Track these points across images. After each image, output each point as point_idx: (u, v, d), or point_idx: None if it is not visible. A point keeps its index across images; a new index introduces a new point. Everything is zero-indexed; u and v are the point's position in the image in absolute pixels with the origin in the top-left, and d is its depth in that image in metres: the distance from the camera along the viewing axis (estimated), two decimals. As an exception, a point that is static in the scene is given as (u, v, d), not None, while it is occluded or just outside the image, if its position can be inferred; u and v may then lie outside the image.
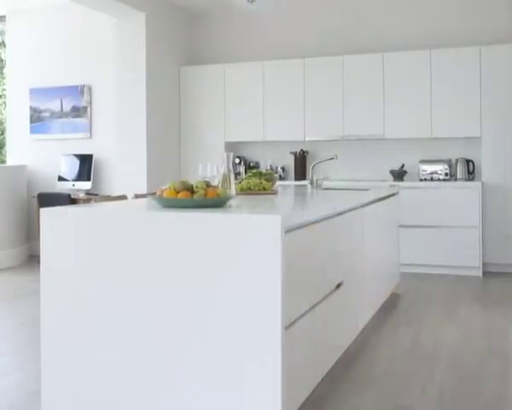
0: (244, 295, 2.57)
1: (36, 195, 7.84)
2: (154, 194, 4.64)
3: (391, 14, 7.45)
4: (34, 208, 8.09)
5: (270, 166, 7.90)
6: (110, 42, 7.81)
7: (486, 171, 6.74)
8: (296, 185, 6.05)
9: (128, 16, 7.33)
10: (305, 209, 2.91)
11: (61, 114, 8.20)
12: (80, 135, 8.09)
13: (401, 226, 6.72)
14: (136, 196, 5.26)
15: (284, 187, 5.33)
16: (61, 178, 7.95)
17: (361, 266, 4.11)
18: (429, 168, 6.97)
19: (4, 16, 8.57)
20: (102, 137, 7.99)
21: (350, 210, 3.84)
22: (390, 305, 5.25)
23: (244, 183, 4.26)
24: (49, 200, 7.40)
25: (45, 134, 8.28)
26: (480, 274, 6.59)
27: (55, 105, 8.23)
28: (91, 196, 7.35)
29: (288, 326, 2.63)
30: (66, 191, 7.79)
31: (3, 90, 10.93)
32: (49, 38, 8.29)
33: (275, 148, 8.03)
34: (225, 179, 3.54)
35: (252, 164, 7.99)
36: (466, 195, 6.62)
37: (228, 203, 3.17)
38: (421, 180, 7.00)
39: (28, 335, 4.41)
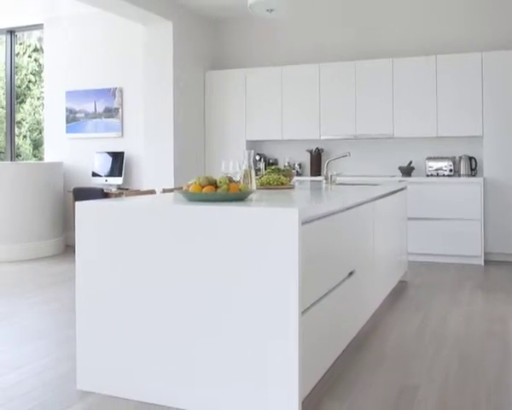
0: (264, 282, 2.56)
1: (71, 189, 7.89)
2: (180, 188, 4.64)
3: (399, 23, 7.38)
4: (70, 202, 8.15)
5: (288, 162, 7.87)
6: (140, 48, 7.82)
7: (488, 167, 6.67)
8: (312, 181, 6.03)
9: (156, 25, 7.35)
10: (320, 203, 2.89)
11: (95, 115, 8.23)
12: (112, 134, 8.11)
13: (409, 219, 6.70)
14: (164, 191, 5.27)
15: (301, 182, 5.31)
16: (94, 174, 7.99)
17: (372, 255, 4.09)
18: (435, 165, 6.92)
19: (42, 24, 8.62)
20: (133, 135, 8.01)
21: (361, 204, 3.82)
22: (398, 291, 5.22)
23: (264, 178, 4.24)
24: (84, 194, 7.45)
25: (80, 133, 8.32)
26: (482, 263, 6.53)
27: (89, 106, 8.26)
28: (122, 191, 7.38)
29: (304, 311, 2.62)
30: (99, 186, 7.83)
31: (41, 92, 11.01)
32: (83, 44, 8.32)
33: (292, 146, 8.01)
34: (246, 175, 3.54)
35: (271, 161, 7.98)
36: (469, 189, 6.56)
37: (249, 197, 3.16)
38: (427, 176, 6.94)
39: (64, 319, 4.43)
